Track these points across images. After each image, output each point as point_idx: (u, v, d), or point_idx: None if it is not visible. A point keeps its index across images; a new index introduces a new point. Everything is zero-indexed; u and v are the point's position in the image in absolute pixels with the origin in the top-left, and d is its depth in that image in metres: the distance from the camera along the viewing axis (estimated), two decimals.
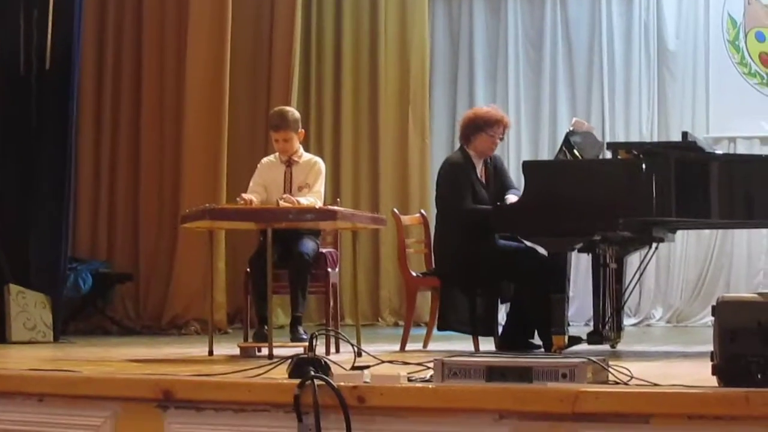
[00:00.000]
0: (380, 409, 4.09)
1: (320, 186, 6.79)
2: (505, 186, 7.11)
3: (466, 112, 7.49)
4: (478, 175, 7.08)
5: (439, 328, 7.09)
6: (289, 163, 6.82)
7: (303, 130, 6.97)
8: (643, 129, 11.37)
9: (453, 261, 6.93)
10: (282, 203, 6.38)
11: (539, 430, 3.94)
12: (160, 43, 9.99)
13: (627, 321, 9.31)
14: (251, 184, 6.89)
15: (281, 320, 9.37)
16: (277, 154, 6.94)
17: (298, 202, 6.49)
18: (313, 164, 6.87)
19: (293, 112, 6.97)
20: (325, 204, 6.77)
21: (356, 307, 7.38)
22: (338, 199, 7.88)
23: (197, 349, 7.07)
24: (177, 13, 9.89)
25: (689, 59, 11.39)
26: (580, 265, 9.99)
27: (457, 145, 12.00)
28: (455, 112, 11.78)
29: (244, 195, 6.60)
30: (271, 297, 6.28)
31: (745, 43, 11.31)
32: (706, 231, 10.85)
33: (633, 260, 7.62)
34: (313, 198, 6.67)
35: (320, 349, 5.71)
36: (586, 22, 11.66)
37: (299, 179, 6.81)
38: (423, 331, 7.48)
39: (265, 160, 7.03)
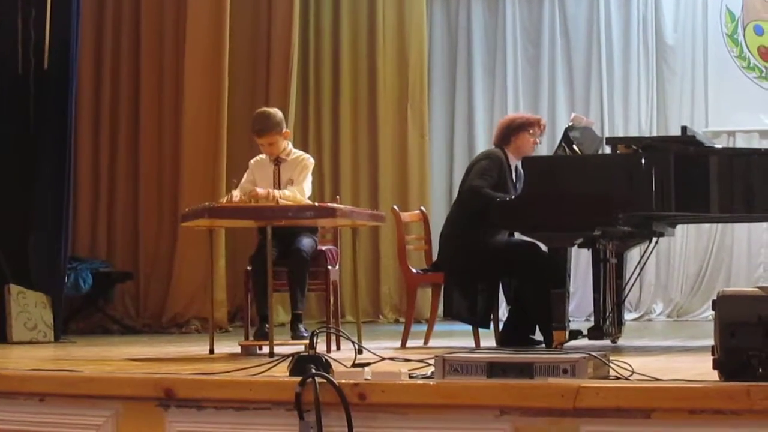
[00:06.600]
0: (381, 406, 4.09)
1: (304, 180, 6.78)
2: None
3: (502, 118, 7.55)
4: (512, 176, 7.06)
5: (444, 315, 7.09)
6: (278, 161, 6.82)
7: (288, 130, 6.98)
8: (642, 123, 11.38)
9: (454, 254, 6.94)
10: (260, 191, 6.39)
11: (540, 426, 3.93)
12: (159, 42, 9.99)
13: (627, 316, 9.32)
14: (242, 181, 6.91)
15: (282, 318, 9.37)
16: None
17: (276, 195, 6.48)
18: (300, 160, 6.87)
19: (274, 114, 6.88)
20: (318, 200, 6.73)
21: (357, 304, 7.37)
22: (337, 197, 7.87)
23: (198, 347, 7.07)
24: (175, 13, 9.88)
25: (688, 53, 11.39)
26: (581, 260, 10.00)
27: (456, 142, 12.03)
28: (454, 108, 11.80)
29: (229, 194, 6.59)
30: (271, 295, 6.28)
31: (744, 36, 11.31)
32: (706, 225, 10.86)
33: (633, 255, 7.62)
34: (295, 190, 6.66)
35: (321, 347, 5.71)
36: (584, 17, 11.65)
37: (287, 176, 6.81)
38: (424, 328, 7.49)
39: (256, 158, 7.03)
